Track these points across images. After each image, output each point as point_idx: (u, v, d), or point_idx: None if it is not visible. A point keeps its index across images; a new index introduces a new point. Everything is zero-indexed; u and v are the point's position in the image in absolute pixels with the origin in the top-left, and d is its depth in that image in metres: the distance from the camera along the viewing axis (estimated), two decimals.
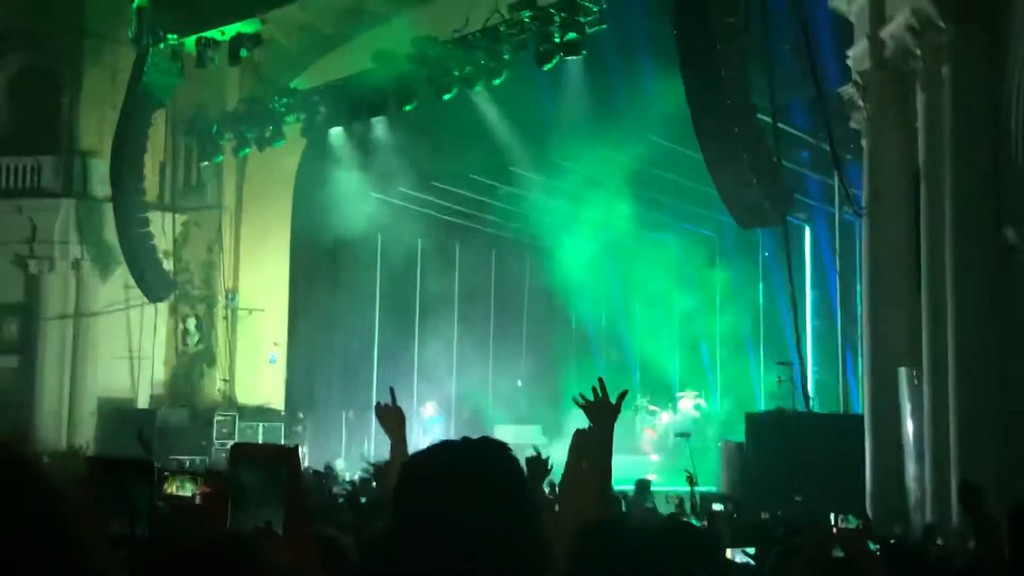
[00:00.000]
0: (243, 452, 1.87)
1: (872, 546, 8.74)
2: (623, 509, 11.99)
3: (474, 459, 1.99)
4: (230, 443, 22.83)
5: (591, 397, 3.84)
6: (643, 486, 13.69)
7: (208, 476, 6.29)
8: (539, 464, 4.50)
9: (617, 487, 14.00)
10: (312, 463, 20.09)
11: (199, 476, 6.42)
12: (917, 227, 13.18)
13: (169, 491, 6.11)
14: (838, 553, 4.05)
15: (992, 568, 4.40)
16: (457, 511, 1.88)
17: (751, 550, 5.78)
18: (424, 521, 1.90)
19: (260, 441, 23.07)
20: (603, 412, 3.80)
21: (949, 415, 12.07)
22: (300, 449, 21.50)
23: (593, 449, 3.78)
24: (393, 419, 4.32)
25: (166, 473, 6.67)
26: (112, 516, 3.26)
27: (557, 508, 4.22)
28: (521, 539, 1.91)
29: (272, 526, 1.78)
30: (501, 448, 2.04)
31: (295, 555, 1.77)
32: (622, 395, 3.81)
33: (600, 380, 3.86)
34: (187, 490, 6.07)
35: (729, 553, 6.08)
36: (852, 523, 9.00)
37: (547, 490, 6.63)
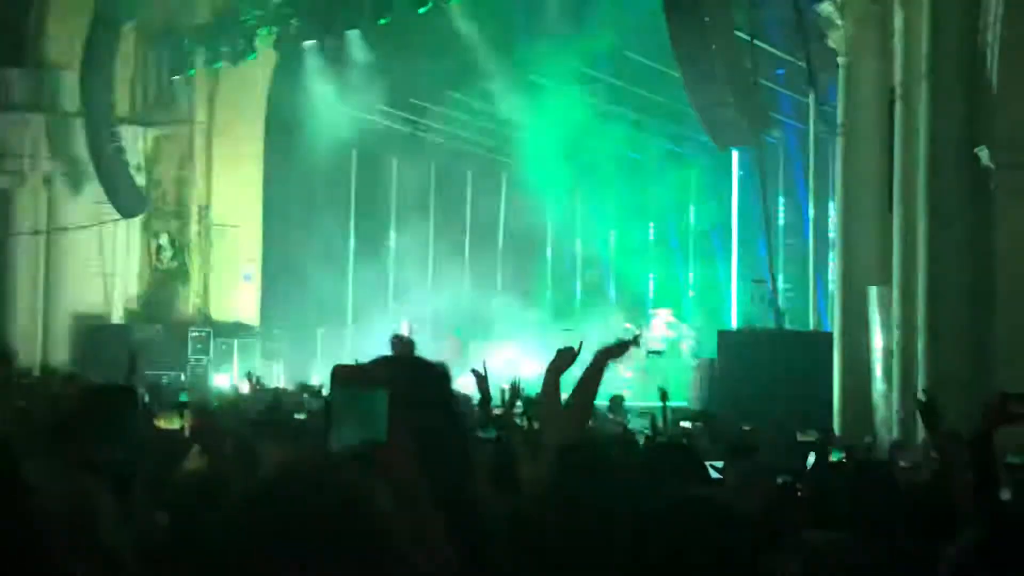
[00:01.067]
0: (345, 374, 1.92)
1: (836, 455, 8.94)
2: (592, 423, 12.16)
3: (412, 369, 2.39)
4: (204, 360, 22.92)
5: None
6: (616, 402, 13.90)
7: (195, 411, 6.55)
8: (513, 391, 4.69)
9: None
10: (288, 379, 20.22)
11: (187, 410, 6.66)
12: (891, 146, 13.24)
13: (160, 424, 6.38)
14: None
15: (948, 484, 4.51)
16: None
17: (719, 464, 5.88)
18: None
19: (235, 358, 23.17)
20: (561, 357, 4.00)
21: (918, 334, 12.27)
22: (275, 365, 21.56)
23: (563, 364, 3.92)
24: (407, 351, 4.59)
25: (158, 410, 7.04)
26: (103, 442, 3.32)
27: (536, 426, 4.35)
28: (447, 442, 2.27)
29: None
30: (432, 367, 2.46)
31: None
32: (578, 346, 4.04)
33: (580, 344, 4.01)
34: (175, 423, 6.34)
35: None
36: (811, 436, 9.18)
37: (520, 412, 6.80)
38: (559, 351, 4.09)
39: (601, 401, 14.45)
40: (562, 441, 3.77)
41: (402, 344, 4.58)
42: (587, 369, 4.01)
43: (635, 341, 4.03)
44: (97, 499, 2.58)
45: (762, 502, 4.67)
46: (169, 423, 6.37)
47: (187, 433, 5.75)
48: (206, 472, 3.99)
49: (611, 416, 13.22)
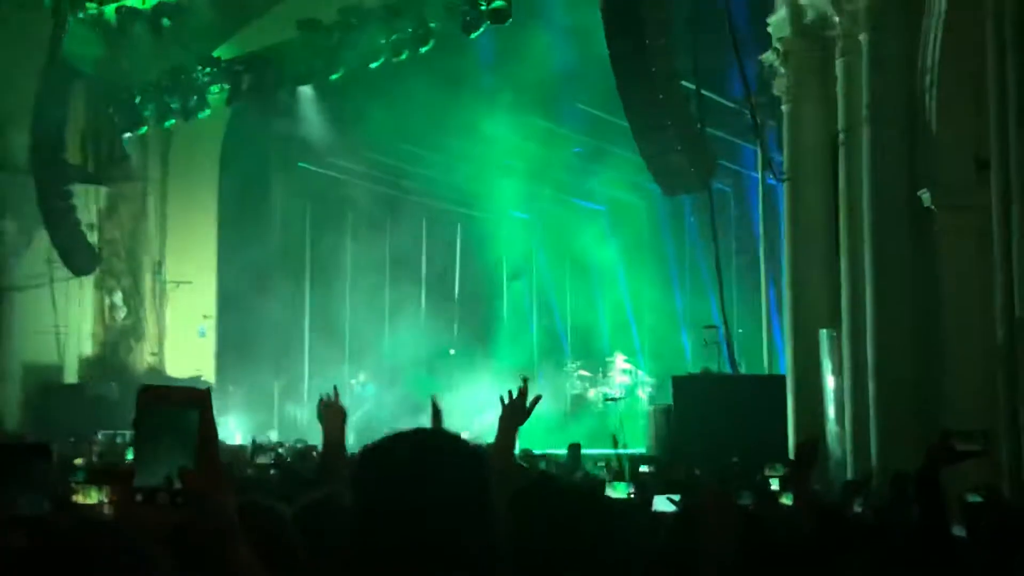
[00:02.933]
0: (152, 395, 1.74)
1: (788, 497, 9.02)
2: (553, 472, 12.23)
3: (439, 448, 2.14)
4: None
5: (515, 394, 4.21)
6: (573, 450, 13.95)
7: (114, 477, 5.83)
8: (436, 411, 4.74)
9: (551, 451, 14.28)
10: (244, 434, 20.08)
11: (104, 476, 6.03)
12: (836, 192, 13.51)
13: (77, 499, 5.45)
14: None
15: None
16: (425, 495, 2.02)
17: (676, 497, 5.95)
18: (393, 502, 2.02)
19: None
20: (515, 412, 4.18)
21: (868, 375, 12.45)
22: (231, 421, 21.36)
23: (517, 422, 4.10)
24: (334, 416, 4.53)
25: (71, 483, 5.99)
26: (9, 498, 3.29)
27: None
28: (479, 524, 2.06)
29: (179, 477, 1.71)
30: (460, 441, 2.21)
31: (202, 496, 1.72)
32: (535, 400, 4.23)
33: (524, 380, 4.20)
34: (93, 498, 5.46)
35: (657, 504, 6.24)
36: (779, 471, 9.25)
37: None
38: (509, 403, 4.18)
39: (561, 450, 14.53)
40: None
41: (329, 409, 4.54)
42: (497, 435, 4.14)
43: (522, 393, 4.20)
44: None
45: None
46: (86, 498, 5.49)
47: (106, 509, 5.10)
48: None
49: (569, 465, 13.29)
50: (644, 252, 25.20)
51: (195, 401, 1.77)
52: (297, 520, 3.17)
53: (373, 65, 19.25)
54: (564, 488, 3.07)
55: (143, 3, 22.82)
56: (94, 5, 23.05)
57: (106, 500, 5.35)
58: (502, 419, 4.21)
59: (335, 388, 4.70)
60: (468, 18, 17.83)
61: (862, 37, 12.76)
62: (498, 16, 17.59)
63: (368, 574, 2.02)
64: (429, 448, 2.13)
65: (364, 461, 2.14)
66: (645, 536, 3.64)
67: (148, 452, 1.74)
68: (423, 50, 18.85)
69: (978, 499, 6.71)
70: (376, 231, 26.25)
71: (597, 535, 2.54)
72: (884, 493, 9.16)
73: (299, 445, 17.24)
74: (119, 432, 21.47)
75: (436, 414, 4.73)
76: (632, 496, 7.43)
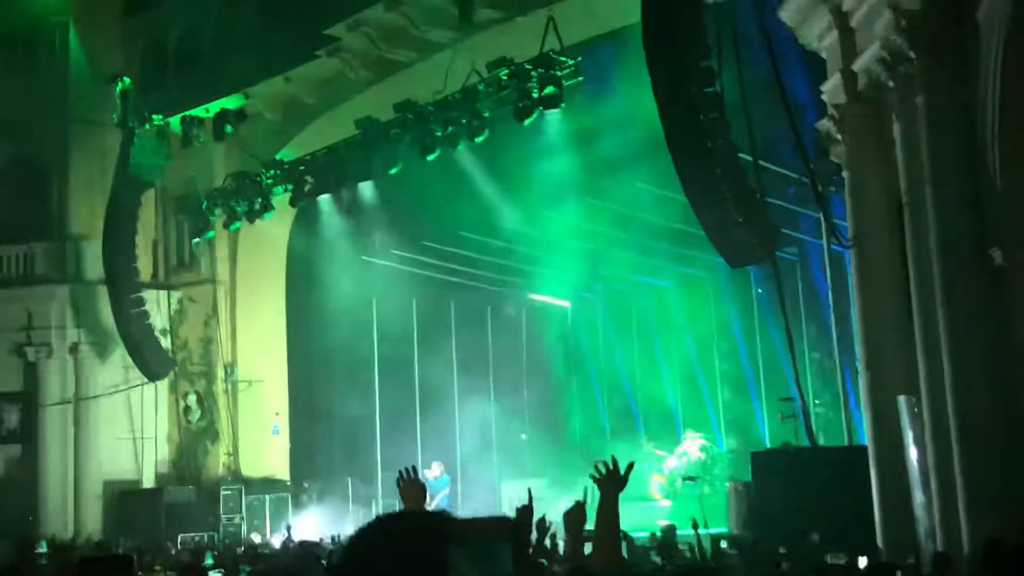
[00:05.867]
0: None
1: None
2: (653, 558, 12.00)
3: (405, 533, 2.04)
4: (237, 517, 22.79)
5: (604, 469, 4.32)
6: (667, 532, 13.69)
7: (181, 571, 6.24)
8: (527, 512, 4.66)
9: (635, 534, 14.01)
10: (320, 531, 20.02)
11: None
12: (904, 255, 13.25)
13: None
14: None
15: None
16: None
17: None
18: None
19: (267, 513, 23.00)
20: (613, 483, 4.32)
21: (951, 440, 12.06)
22: (308, 517, 21.37)
23: (578, 520, 4.14)
24: (415, 493, 4.60)
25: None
26: None
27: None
28: None
29: None
30: (431, 519, 2.10)
31: None
32: (629, 467, 4.41)
33: (613, 458, 4.26)
34: None
35: None
36: (841, 559, 8.98)
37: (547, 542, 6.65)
38: (606, 474, 4.22)
39: (642, 533, 14.26)
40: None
41: (409, 485, 4.53)
42: (599, 510, 4.11)
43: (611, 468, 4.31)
44: None
45: None
46: None
47: None
48: None
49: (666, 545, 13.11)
50: (712, 326, 24.95)
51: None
52: None
53: (430, 157, 19.51)
54: None
55: (207, 112, 23.50)
56: (160, 116, 23.80)
57: None
58: (601, 488, 4.30)
59: (413, 467, 4.75)
60: (521, 105, 18.04)
61: (918, 100, 12.61)
62: (550, 102, 17.78)
63: None
64: (395, 530, 2.05)
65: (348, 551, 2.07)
66: None
67: None
68: (479, 140, 19.09)
69: None
70: (441, 319, 26.34)
71: None
72: (976, 564, 8.83)
73: None
74: (198, 534, 21.63)
75: (529, 502, 4.71)
76: None
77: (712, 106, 14.06)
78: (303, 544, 11.12)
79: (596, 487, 4.46)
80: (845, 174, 14.81)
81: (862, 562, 10.57)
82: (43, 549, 13.68)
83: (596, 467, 4.34)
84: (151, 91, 24.03)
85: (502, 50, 18.59)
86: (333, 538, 17.94)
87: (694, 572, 7.50)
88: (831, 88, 14.86)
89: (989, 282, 12.02)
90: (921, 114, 12.53)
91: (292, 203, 22.84)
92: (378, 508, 23.45)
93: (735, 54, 14.22)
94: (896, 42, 12.71)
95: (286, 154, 23.26)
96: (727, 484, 19.13)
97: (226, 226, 23.84)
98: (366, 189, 21.96)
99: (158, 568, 12.25)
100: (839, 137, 14.64)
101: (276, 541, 19.40)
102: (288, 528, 18.23)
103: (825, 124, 14.89)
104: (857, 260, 14.71)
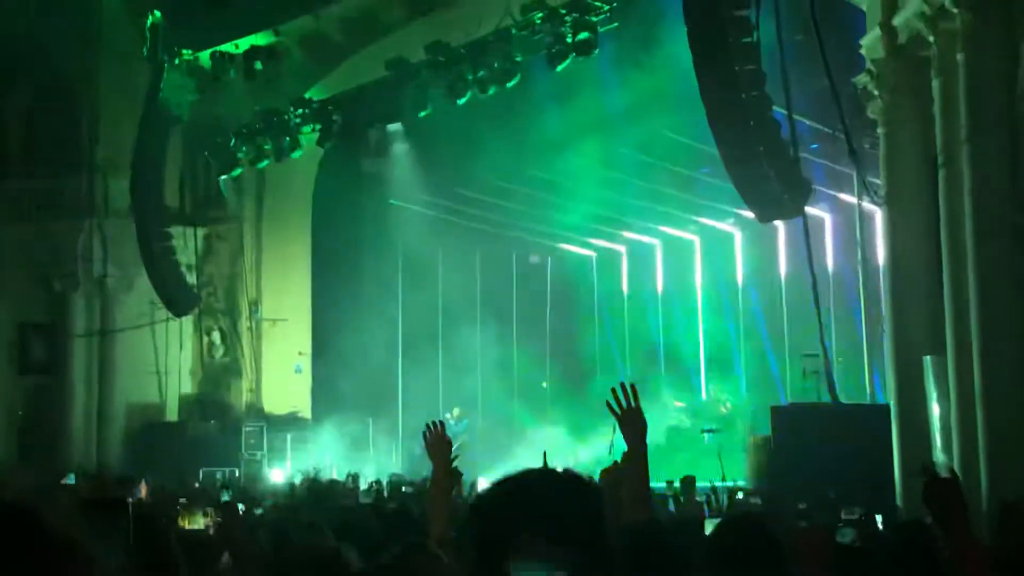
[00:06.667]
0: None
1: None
2: (670, 507, 12.09)
3: (567, 488, 2.11)
4: (259, 454, 23.04)
5: (621, 398, 4.08)
6: (688, 482, 13.74)
7: (218, 507, 6.58)
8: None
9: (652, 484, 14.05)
10: (340, 470, 20.20)
11: (208, 508, 6.69)
12: (936, 214, 13.14)
13: (183, 525, 6.33)
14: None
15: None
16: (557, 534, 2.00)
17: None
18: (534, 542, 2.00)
19: (288, 450, 23.24)
20: (635, 425, 4.24)
21: (976, 401, 12.03)
22: (328, 456, 21.57)
23: (626, 476, 4.05)
24: (441, 448, 4.63)
25: (178, 507, 6.98)
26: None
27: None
28: (602, 558, 2.06)
29: None
30: (584, 479, 2.17)
31: None
32: (635, 393, 4.30)
33: (632, 386, 4.14)
34: (199, 523, 6.37)
35: None
36: (855, 514, 8.97)
37: None
38: (624, 414, 4.13)
39: (658, 483, 14.32)
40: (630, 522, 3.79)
41: (437, 442, 4.56)
42: (629, 460, 4.07)
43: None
44: None
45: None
46: (193, 523, 6.30)
47: (212, 532, 5.70)
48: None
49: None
50: (737, 278, 24.87)
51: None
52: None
53: (460, 101, 19.37)
54: None
55: (236, 48, 23.36)
56: (189, 52, 23.67)
57: (209, 524, 6.10)
58: (626, 436, 4.22)
59: (439, 422, 4.78)
60: (554, 50, 17.86)
61: (959, 57, 12.44)
62: (584, 48, 17.58)
63: None
64: (559, 488, 2.11)
65: (492, 500, 2.11)
66: None
67: None
68: (510, 84, 18.91)
69: None
70: (467, 265, 26.34)
71: None
72: (993, 526, 8.82)
73: (395, 480, 17.33)
74: (219, 469, 21.87)
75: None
76: None
77: (748, 58, 13.87)
78: (331, 482, 11.28)
79: (620, 437, 4.43)
80: (880, 130, 14.65)
81: (878, 519, 10.58)
82: (71, 481, 13.82)
83: (613, 392, 4.26)
84: (181, 26, 23.87)
85: None
86: (352, 477, 18.12)
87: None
88: (870, 43, 14.66)
89: (1020, 245, 11.93)
90: (961, 72, 12.37)
91: (320, 143, 22.74)
92: (399, 449, 23.68)
93: (773, 3, 14.01)
94: None
95: (315, 93, 23.12)
96: (747, 438, 19.17)
97: (253, 164, 23.81)
98: (395, 131, 21.87)
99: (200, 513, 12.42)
100: (876, 93, 14.47)
101: (297, 480, 19.60)
102: (315, 471, 18.40)
103: (863, 79, 14.71)
104: (888, 218, 14.62)
